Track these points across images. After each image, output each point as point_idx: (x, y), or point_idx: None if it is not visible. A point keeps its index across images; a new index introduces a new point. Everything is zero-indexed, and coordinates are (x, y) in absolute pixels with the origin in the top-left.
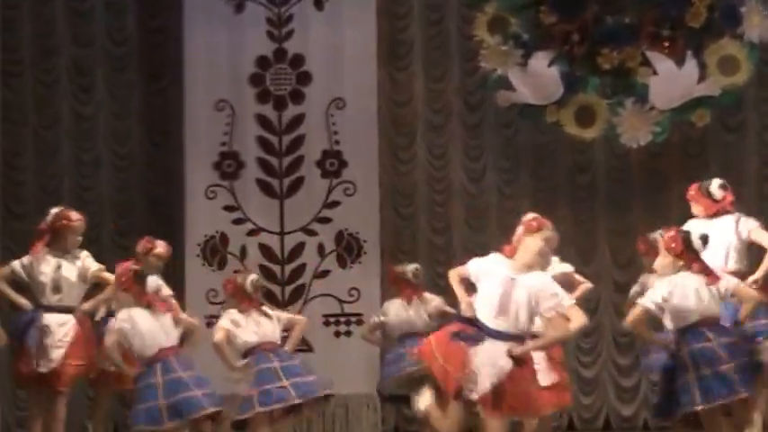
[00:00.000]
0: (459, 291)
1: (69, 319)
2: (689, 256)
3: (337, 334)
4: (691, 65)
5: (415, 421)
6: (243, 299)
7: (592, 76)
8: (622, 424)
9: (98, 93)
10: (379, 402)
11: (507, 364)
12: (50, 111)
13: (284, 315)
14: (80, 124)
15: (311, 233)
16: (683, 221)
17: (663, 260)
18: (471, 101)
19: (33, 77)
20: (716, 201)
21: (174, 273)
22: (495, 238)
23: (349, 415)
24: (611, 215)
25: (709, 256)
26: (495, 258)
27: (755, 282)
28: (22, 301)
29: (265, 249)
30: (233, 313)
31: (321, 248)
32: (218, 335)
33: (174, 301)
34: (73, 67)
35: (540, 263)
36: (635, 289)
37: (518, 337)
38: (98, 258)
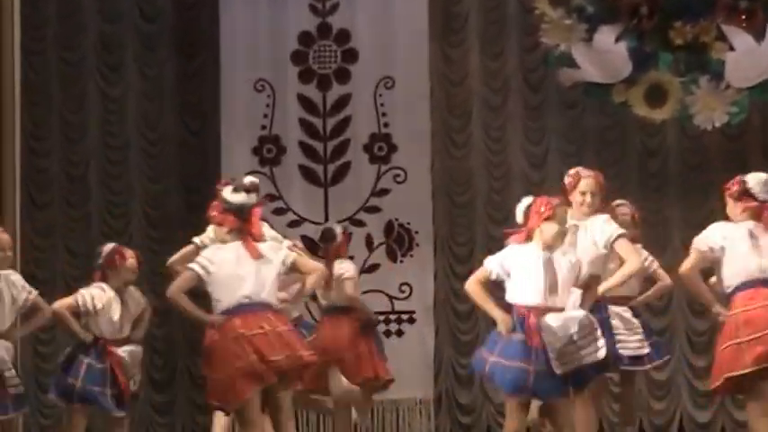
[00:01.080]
0: None
1: None
2: None
3: (387, 333)
4: None
5: (473, 430)
6: None
7: (663, 53)
8: (697, 431)
9: (127, 72)
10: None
11: None
12: (76, 92)
13: None
14: (108, 106)
15: (358, 224)
16: None
17: None
18: (532, 79)
19: (57, 56)
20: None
21: None
22: None
23: (399, 422)
24: (685, 203)
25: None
26: None
27: None
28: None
29: (308, 241)
30: None
31: (369, 240)
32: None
33: None
34: (100, 45)
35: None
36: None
37: None
38: None
